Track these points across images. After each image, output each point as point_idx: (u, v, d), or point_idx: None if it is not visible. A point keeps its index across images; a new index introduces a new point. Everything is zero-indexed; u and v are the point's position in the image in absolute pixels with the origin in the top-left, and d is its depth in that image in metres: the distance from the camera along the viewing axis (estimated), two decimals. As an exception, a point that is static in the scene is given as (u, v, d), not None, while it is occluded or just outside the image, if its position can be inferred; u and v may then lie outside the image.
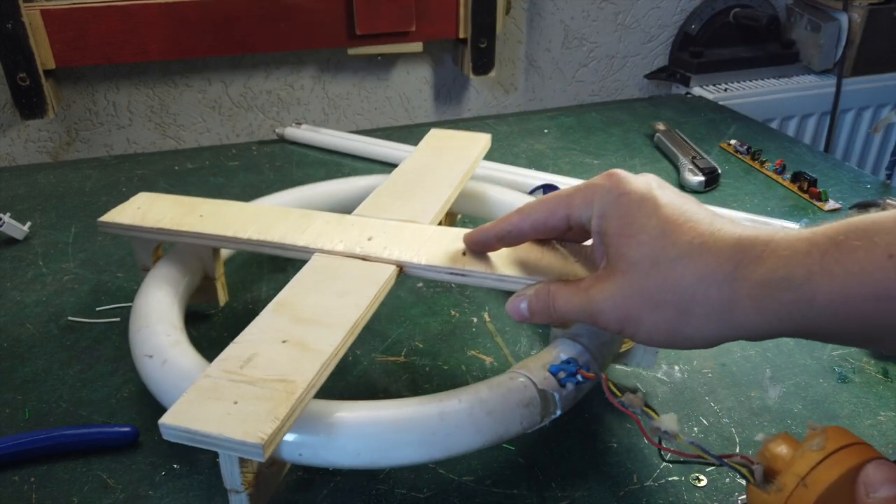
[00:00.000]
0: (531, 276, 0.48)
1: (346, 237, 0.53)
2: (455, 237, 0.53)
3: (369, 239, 0.53)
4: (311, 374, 0.40)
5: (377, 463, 0.41)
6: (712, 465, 0.38)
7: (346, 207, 0.66)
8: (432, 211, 0.58)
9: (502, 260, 0.50)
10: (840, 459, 0.32)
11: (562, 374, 0.44)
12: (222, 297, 0.60)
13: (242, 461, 0.40)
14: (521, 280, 0.48)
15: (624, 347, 0.52)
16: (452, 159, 0.66)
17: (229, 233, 0.54)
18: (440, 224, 0.58)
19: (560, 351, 0.46)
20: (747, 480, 0.34)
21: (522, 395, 0.43)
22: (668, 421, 0.37)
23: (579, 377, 0.44)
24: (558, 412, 0.44)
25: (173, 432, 0.37)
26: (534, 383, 0.43)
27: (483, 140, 0.70)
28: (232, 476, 0.40)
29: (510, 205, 0.65)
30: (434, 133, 0.72)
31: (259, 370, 0.40)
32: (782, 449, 0.34)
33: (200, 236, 0.55)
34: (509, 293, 0.46)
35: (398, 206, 0.58)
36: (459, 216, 0.72)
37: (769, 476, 0.34)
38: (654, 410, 0.39)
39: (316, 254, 0.52)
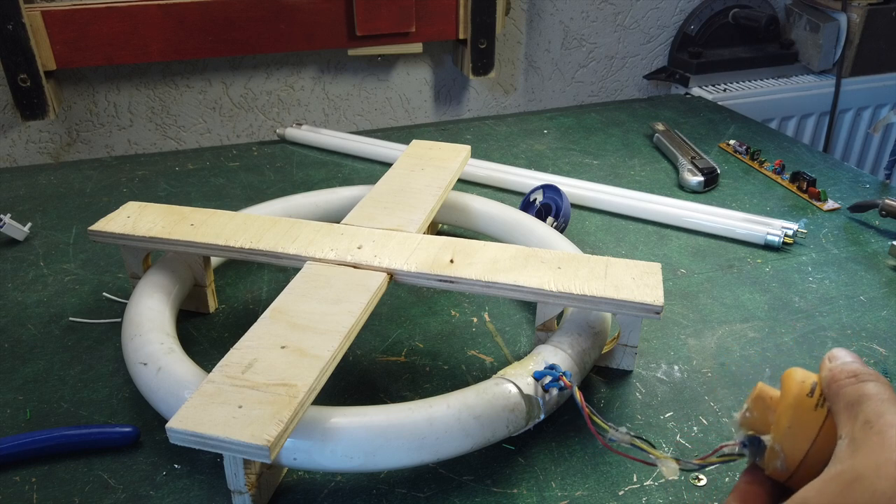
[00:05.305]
0: (518, 283, 0.49)
1: (337, 245, 0.54)
2: (442, 245, 0.54)
3: (359, 247, 0.54)
4: (311, 378, 0.41)
5: (369, 466, 0.42)
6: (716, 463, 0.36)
7: (332, 218, 0.67)
8: (418, 220, 0.59)
9: (490, 267, 0.51)
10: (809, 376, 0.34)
11: (546, 380, 0.45)
12: (212, 303, 0.61)
13: (246, 463, 0.40)
14: (509, 286, 0.49)
15: (605, 349, 0.53)
16: (435, 170, 0.67)
17: (221, 241, 0.55)
18: (425, 233, 0.59)
19: (543, 357, 0.47)
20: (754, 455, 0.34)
21: (508, 401, 0.44)
22: (667, 470, 0.37)
23: (561, 384, 0.45)
24: (542, 416, 0.45)
25: (180, 436, 0.38)
26: (519, 389, 0.44)
27: (463, 151, 0.71)
28: (236, 478, 0.40)
29: (491, 216, 0.67)
30: (416, 144, 0.73)
31: (261, 375, 0.41)
32: (772, 393, 0.34)
33: (192, 245, 0.56)
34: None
35: (385, 216, 0.59)
36: (441, 225, 0.73)
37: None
38: (643, 441, 0.39)
39: (308, 262, 0.53)
